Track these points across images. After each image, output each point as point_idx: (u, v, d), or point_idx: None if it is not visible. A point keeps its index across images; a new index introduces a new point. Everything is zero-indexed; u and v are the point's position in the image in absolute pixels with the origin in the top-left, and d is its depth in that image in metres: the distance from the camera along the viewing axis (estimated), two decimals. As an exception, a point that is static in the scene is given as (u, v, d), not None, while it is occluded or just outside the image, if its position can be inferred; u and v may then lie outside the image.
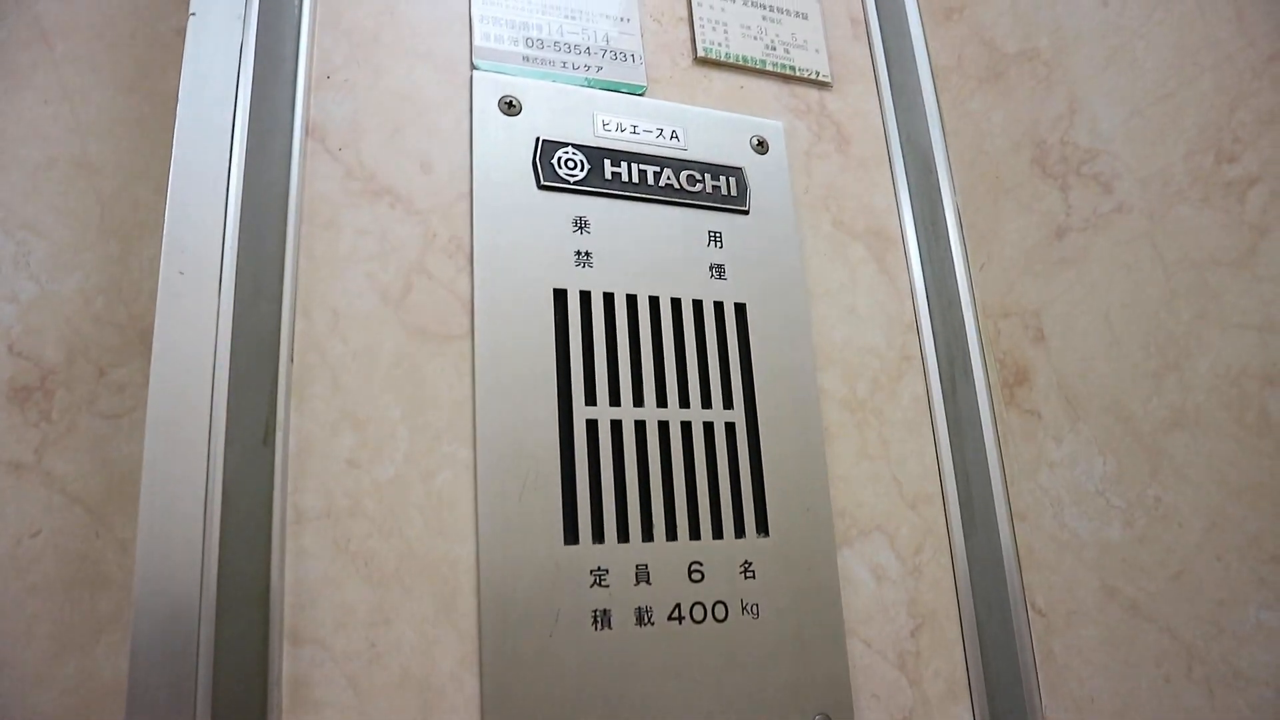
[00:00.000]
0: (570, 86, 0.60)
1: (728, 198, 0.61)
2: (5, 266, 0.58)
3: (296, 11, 0.55)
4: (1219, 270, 0.49)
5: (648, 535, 0.52)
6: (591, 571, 0.50)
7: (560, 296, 0.54)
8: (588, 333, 0.54)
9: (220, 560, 0.43)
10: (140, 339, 0.59)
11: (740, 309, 0.58)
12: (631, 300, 0.56)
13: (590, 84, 0.61)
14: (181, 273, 0.48)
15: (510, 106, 0.57)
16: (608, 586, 0.50)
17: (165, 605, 0.42)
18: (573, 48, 0.61)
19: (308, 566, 0.46)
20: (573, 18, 0.62)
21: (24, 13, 0.65)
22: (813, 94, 0.68)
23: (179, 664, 0.42)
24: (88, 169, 0.63)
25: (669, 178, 0.59)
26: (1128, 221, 0.55)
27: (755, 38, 0.68)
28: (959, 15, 0.70)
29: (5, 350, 0.57)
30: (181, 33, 0.67)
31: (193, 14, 0.54)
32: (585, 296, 0.55)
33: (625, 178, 0.58)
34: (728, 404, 0.56)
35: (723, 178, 0.61)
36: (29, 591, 0.53)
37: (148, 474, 0.43)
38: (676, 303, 0.57)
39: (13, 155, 0.61)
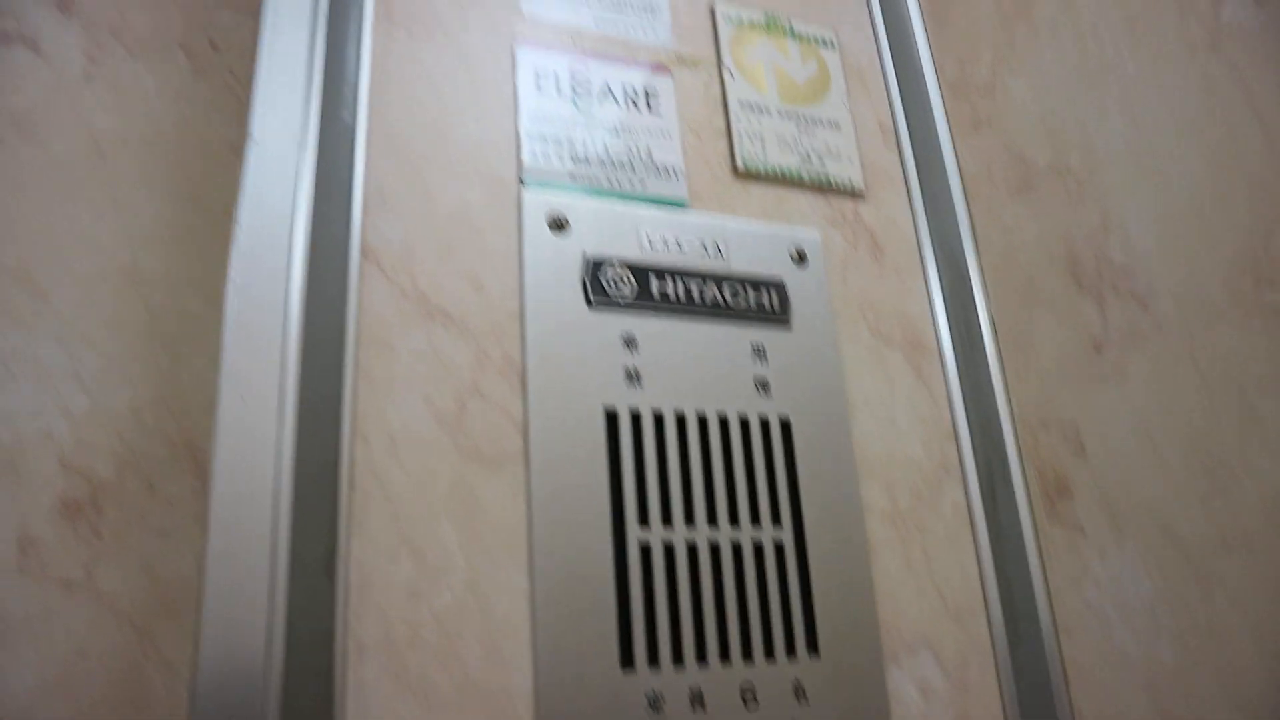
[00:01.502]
0: (615, 202, 0.61)
1: (770, 312, 0.62)
2: (58, 379, 0.59)
3: (351, 135, 0.57)
4: (1264, 395, 0.50)
5: (701, 657, 0.52)
6: (647, 696, 0.50)
7: (612, 417, 0.55)
8: (639, 454, 0.55)
9: (283, 697, 0.43)
10: (189, 452, 0.60)
11: (785, 424, 0.59)
12: (680, 418, 0.56)
13: (634, 199, 0.62)
14: (242, 399, 0.48)
15: (558, 225, 0.59)
16: (663, 713, 0.50)
17: (225, 741, 0.42)
18: (617, 163, 0.63)
19: (368, 700, 0.45)
20: (616, 133, 0.64)
21: (79, 125, 0.67)
22: (847, 204, 0.70)
23: (238, 802, 0.41)
24: (137, 280, 0.64)
25: (713, 293, 0.61)
26: (1167, 340, 0.56)
27: (791, 149, 0.70)
28: (987, 126, 0.72)
29: (56, 464, 0.57)
30: (234, 147, 0.69)
31: (252, 137, 0.55)
32: (636, 416, 0.55)
33: (672, 295, 0.59)
34: (776, 521, 0.56)
35: (764, 290, 0.62)
36: (77, 717, 0.52)
37: (208, 607, 0.43)
38: (724, 420, 0.57)
39: (66, 268, 0.62)
